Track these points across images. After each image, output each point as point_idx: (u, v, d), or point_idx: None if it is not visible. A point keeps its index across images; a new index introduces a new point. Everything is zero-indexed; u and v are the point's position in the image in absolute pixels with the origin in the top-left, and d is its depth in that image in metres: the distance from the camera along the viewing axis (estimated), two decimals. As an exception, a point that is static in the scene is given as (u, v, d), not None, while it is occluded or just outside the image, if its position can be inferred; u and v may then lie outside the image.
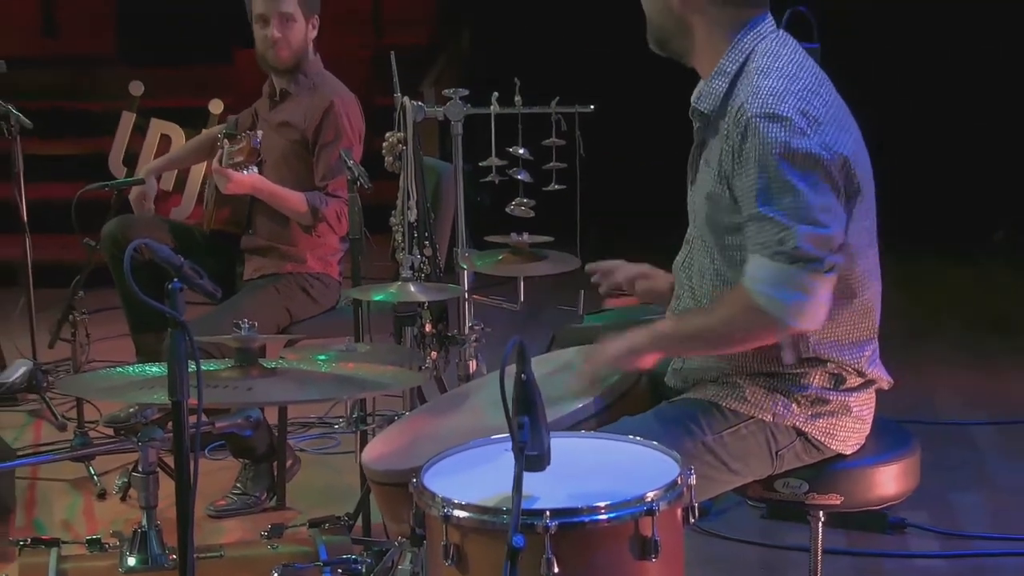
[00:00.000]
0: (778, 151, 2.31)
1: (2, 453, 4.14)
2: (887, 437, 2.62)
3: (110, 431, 4.49)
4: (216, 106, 4.85)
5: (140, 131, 4.57)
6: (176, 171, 4.42)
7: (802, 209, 2.31)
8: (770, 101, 2.34)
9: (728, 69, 2.44)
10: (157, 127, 4.51)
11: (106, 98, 6.57)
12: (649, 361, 2.53)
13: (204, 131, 4.54)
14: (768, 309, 2.33)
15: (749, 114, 2.35)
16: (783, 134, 2.32)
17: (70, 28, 9.48)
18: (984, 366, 5.43)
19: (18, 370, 5.21)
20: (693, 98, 2.53)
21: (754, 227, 2.36)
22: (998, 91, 7.75)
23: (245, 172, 3.87)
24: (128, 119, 4.59)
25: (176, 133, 4.55)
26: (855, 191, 2.41)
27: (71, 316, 4.67)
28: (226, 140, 3.97)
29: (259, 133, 3.91)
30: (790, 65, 2.42)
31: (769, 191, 2.32)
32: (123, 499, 3.72)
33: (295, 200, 4.05)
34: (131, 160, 4.60)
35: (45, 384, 5.06)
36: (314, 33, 4.13)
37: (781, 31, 2.50)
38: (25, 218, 5.02)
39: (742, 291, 2.37)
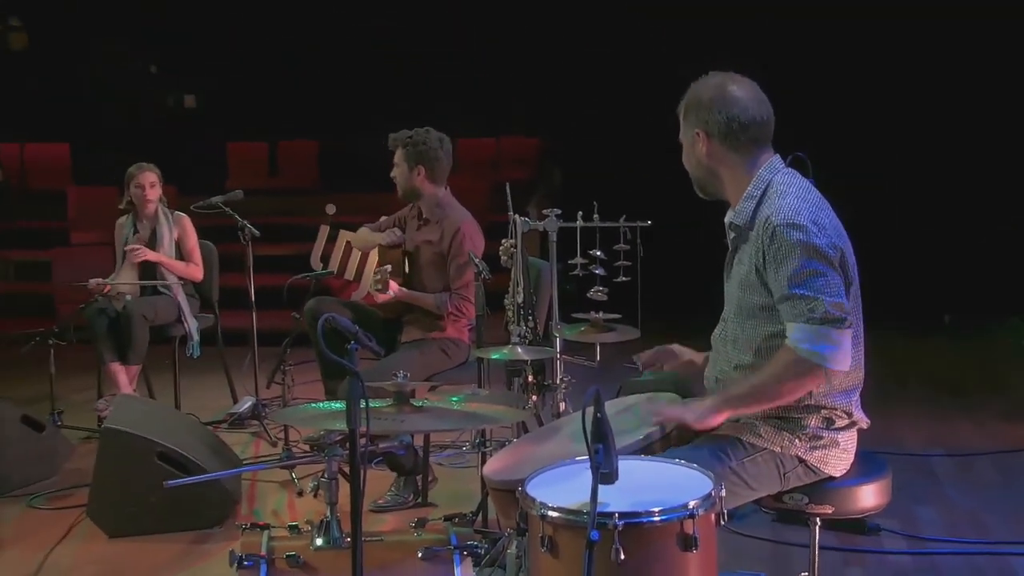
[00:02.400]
0: (799, 248, 2.28)
1: (232, 462, 4.19)
2: (867, 464, 2.53)
3: (307, 448, 4.52)
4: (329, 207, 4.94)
5: (331, 239, 4.64)
6: (358, 264, 4.50)
7: (822, 286, 2.27)
8: (790, 214, 2.31)
9: (754, 195, 2.42)
10: (343, 236, 4.58)
11: (308, 215, 6.71)
12: (720, 420, 2.40)
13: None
14: (811, 359, 2.28)
15: (775, 223, 2.32)
16: (802, 236, 2.28)
17: (286, 169, 9.79)
18: (938, 414, 5.27)
19: (245, 403, 5.29)
20: (728, 218, 2.50)
21: (788, 304, 2.31)
22: (942, 206, 7.65)
23: (389, 294, 4.06)
24: (323, 231, 4.66)
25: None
26: (848, 281, 2.36)
27: (282, 367, 4.74)
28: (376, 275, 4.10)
29: (388, 267, 4.07)
30: (801, 190, 2.39)
31: (797, 277, 2.28)
32: (314, 496, 3.69)
33: (427, 302, 4.15)
34: (325, 259, 4.67)
35: (263, 414, 5.14)
36: (422, 177, 4.16)
37: (789, 168, 2.48)
38: (252, 298, 5.13)
39: (788, 351, 2.30)
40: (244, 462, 4.51)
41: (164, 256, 5.20)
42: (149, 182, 5.20)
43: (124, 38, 9.94)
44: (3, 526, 3.98)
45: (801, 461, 2.43)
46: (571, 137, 8.46)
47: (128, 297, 5.10)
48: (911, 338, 6.94)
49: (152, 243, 5.23)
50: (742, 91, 2.41)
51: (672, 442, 2.46)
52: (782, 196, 2.37)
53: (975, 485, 4.24)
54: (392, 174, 4.24)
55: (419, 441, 4.07)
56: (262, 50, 9.53)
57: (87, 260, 6.72)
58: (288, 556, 2.26)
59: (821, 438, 2.42)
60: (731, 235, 2.51)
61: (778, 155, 2.47)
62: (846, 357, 2.30)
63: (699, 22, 7.81)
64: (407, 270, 4.30)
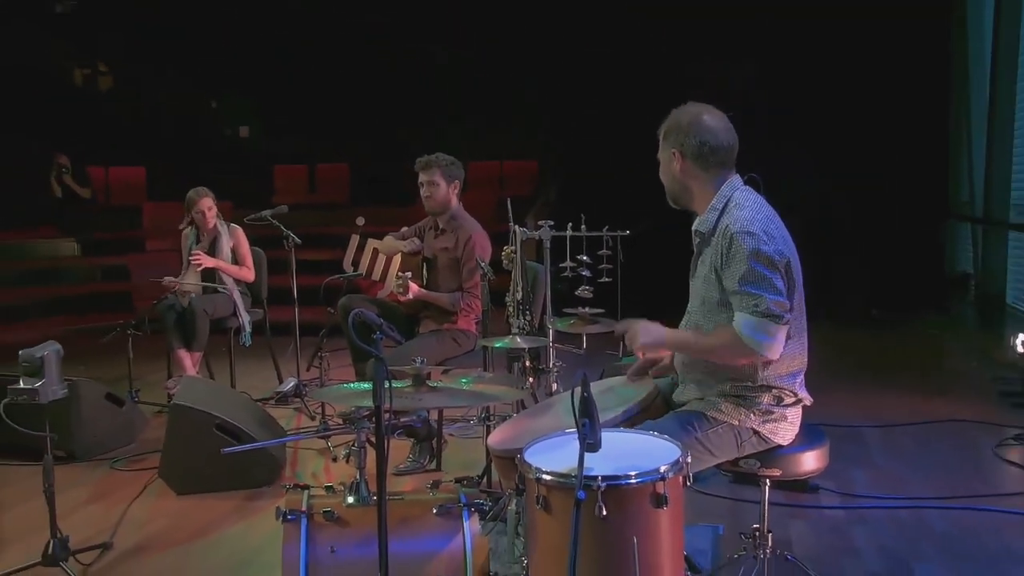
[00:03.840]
0: (751, 252, 2.26)
1: (277, 433, 4.17)
2: (809, 434, 2.50)
3: (340, 421, 4.49)
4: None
5: (361, 246, 4.63)
6: (383, 267, 4.48)
7: (767, 286, 2.25)
8: (745, 223, 2.29)
9: (717, 207, 2.39)
10: (371, 244, 4.56)
11: (341, 226, 6.69)
12: (665, 352, 2.47)
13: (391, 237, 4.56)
14: (749, 345, 2.26)
15: (733, 230, 2.29)
16: (754, 242, 2.26)
17: (323, 187, 9.77)
18: (867, 392, 5.24)
19: (289, 383, 5.27)
20: (694, 226, 2.47)
21: (738, 297, 2.29)
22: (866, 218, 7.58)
23: (409, 295, 4.04)
24: (354, 239, 4.65)
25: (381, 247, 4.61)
26: (792, 283, 2.33)
27: (319, 353, 4.73)
28: (396, 280, 4.08)
29: (409, 274, 4.06)
30: (756, 204, 2.37)
31: (747, 276, 2.26)
32: (347, 462, 3.66)
33: (443, 301, 4.12)
34: (355, 263, 4.66)
35: (304, 392, 5.12)
36: (455, 191, 4.14)
37: (746, 186, 2.45)
38: (295, 296, 5.11)
39: (732, 330, 2.29)
40: (288, 433, 4.49)
41: (221, 262, 5.21)
42: (207, 206, 5.25)
43: (190, 79, 9.95)
44: (90, 485, 3.97)
45: (755, 432, 2.40)
46: (569, 138, 8.29)
47: (192, 295, 5.12)
48: (845, 329, 6.92)
49: (212, 251, 5.25)
50: (714, 121, 2.39)
51: (651, 415, 2.43)
52: (740, 208, 2.34)
53: (897, 451, 4.22)
54: (427, 193, 4.16)
55: (434, 416, 4.05)
56: (304, 90, 9.55)
57: (159, 264, 6.71)
58: (324, 511, 2.25)
59: (772, 413, 2.40)
60: (696, 240, 2.49)
61: (738, 175, 2.45)
62: (779, 348, 2.29)
63: (699, 22, 7.26)
64: (425, 274, 4.28)
